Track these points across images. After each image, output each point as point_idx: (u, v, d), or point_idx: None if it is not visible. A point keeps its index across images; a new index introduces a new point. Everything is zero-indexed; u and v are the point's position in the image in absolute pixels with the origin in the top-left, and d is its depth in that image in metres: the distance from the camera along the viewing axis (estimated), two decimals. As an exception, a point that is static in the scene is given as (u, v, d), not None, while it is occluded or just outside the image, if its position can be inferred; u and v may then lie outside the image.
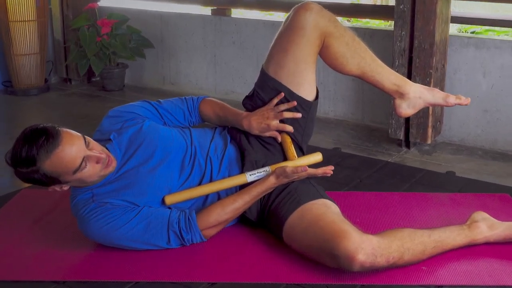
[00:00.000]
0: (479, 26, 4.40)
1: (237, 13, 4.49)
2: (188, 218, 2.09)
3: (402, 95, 2.29)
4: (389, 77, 2.28)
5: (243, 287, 1.94)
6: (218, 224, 2.14)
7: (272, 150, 2.28)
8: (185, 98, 2.37)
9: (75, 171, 1.97)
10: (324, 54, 2.26)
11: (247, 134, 2.29)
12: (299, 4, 2.23)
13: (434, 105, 2.36)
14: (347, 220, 2.02)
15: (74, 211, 2.11)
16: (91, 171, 2.01)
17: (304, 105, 2.27)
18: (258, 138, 2.28)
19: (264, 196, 2.20)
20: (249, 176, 2.17)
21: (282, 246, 2.12)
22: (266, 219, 2.21)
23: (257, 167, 2.21)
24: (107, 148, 2.12)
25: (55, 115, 4.17)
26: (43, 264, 2.09)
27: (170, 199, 2.13)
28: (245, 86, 4.18)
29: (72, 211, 2.13)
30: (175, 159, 2.19)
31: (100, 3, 4.68)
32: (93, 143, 2.04)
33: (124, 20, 4.50)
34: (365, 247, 1.87)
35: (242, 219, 2.25)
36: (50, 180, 1.98)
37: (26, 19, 4.44)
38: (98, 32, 4.41)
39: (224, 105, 2.35)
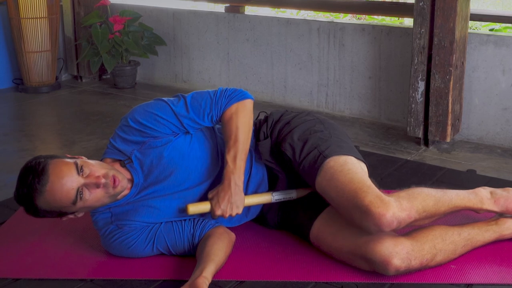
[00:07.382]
0: (497, 23, 4.36)
1: (251, 10, 4.47)
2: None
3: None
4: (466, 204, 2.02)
5: (272, 285, 1.92)
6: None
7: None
8: (215, 100, 2.17)
9: (74, 202, 1.86)
10: None
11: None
12: (367, 209, 1.79)
13: None
14: None
15: (95, 227, 2.07)
16: (95, 197, 1.89)
17: None
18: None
19: (283, 204, 2.15)
20: (274, 199, 2.12)
21: (310, 244, 2.10)
22: (288, 227, 2.18)
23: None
24: (127, 167, 2.01)
25: (67, 113, 4.15)
26: (69, 262, 2.08)
27: (193, 209, 2.02)
28: (259, 83, 4.16)
29: (93, 225, 2.08)
30: (197, 190, 2.08)
31: (111, 0, 4.66)
32: (90, 167, 1.88)
33: (137, 18, 4.48)
34: (400, 251, 1.85)
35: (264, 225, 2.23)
36: (56, 214, 1.92)
37: (37, 16, 4.42)
38: (110, 29, 4.39)
39: (237, 149, 2.03)
